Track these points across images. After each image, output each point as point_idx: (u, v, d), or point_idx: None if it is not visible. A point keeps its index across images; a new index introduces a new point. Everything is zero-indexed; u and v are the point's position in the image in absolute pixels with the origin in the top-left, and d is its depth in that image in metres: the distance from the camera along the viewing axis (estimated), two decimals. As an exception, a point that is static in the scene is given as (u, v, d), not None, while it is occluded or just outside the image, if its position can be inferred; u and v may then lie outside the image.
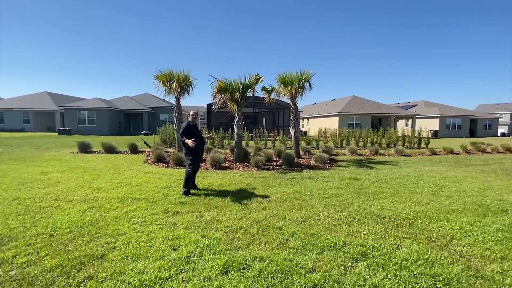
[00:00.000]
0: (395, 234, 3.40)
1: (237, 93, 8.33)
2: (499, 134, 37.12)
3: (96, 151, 11.36)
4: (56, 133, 25.57)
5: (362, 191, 5.53)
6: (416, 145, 14.12)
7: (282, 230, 3.47)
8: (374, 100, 33.31)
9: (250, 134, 15.81)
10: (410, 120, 34.33)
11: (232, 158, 9.41)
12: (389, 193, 5.34)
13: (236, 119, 8.83)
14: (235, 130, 8.88)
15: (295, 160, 8.96)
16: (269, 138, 13.64)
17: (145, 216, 3.90)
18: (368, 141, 13.87)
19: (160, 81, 9.79)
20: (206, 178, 6.55)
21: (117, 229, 3.43)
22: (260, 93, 10.02)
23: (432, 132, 30.53)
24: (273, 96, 10.28)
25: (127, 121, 31.31)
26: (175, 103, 9.97)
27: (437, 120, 32.16)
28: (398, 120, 34.03)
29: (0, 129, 29.70)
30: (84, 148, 11.30)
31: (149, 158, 9.62)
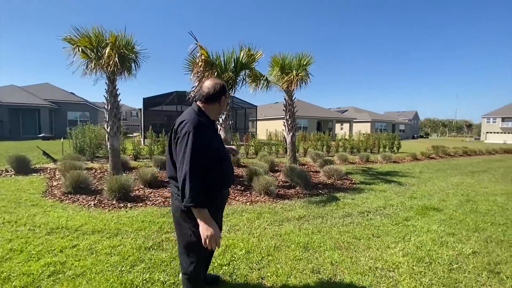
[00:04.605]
0: None
1: (229, 73, 5.06)
2: (412, 137, 43.60)
3: None
4: None
5: (497, 240, 3.25)
6: (388, 150, 13.52)
7: None
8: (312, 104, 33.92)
9: None
10: (344, 124, 36.55)
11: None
12: (538, 240, 3.22)
13: (224, 116, 5.53)
14: (221, 134, 5.56)
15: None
16: (240, 143, 10.59)
17: None
18: (347, 145, 12.39)
19: (77, 48, 5.52)
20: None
21: None
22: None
23: (364, 135, 33.05)
24: (260, 86, 7.32)
25: (14, 120, 22.41)
26: (107, 88, 5.81)
27: (369, 124, 35.07)
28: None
29: None
30: None
31: (55, 185, 5.26)
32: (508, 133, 47.76)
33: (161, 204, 4.35)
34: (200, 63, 4.58)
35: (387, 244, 3.03)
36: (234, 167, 7.66)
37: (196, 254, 1.65)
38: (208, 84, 1.69)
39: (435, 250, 2.89)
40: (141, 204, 4.31)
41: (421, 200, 4.94)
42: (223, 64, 5.19)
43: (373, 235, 3.28)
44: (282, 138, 23.78)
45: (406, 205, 4.61)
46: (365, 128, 35.11)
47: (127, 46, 5.52)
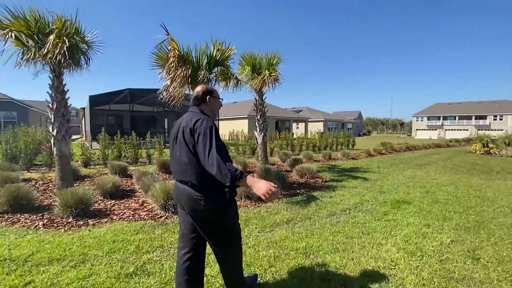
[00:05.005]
0: None
1: (204, 71, 4.70)
2: (358, 135, 47.78)
3: None
4: None
5: (464, 227, 3.60)
6: (345, 147, 14.48)
7: None
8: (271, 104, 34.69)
9: (153, 139, 10.79)
10: (299, 124, 38.24)
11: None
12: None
13: (196, 117, 5.11)
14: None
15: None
16: None
17: None
18: (308, 143, 12.86)
19: (9, 33, 4.49)
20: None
21: None
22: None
23: (320, 133, 35.11)
24: (230, 85, 7.04)
25: None
26: (51, 83, 4.86)
27: (322, 123, 37.29)
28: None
29: None
30: None
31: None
32: (433, 130, 55.84)
33: (131, 218, 3.79)
34: (172, 59, 4.11)
35: (378, 241, 3.10)
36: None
37: (239, 240, 1.87)
38: (197, 88, 1.88)
39: (420, 243, 3.06)
40: (105, 219, 3.69)
41: (390, 194, 5.30)
42: (195, 60, 4.78)
43: (362, 232, 3.34)
44: (243, 138, 23.76)
45: (379, 199, 4.88)
46: (319, 127, 37.25)
47: (77, 34, 4.69)
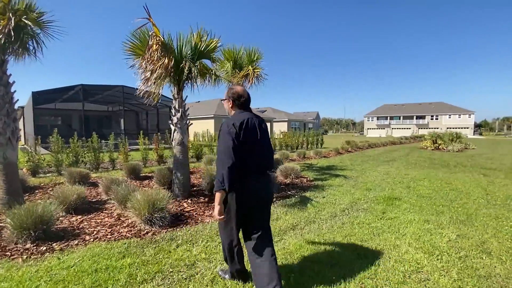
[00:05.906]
0: None
1: (187, 62, 4.17)
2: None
3: None
4: None
5: (459, 221, 3.75)
6: (315, 146, 14.84)
7: None
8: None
9: (114, 142, 9.31)
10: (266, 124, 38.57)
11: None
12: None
13: (179, 114, 4.53)
14: (176, 136, 4.55)
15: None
16: (150, 147, 9.11)
17: None
18: (281, 143, 12.85)
19: None
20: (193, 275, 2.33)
21: None
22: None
23: (282, 133, 35.82)
24: (208, 81, 6.53)
25: None
26: (-11, 72, 3.85)
27: (286, 123, 38.14)
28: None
29: None
30: None
31: None
32: (382, 128, 61.28)
33: (109, 236, 3.14)
34: (155, 46, 3.52)
35: (392, 242, 3.01)
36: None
37: None
38: (244, 92, 2.06)
39: (431, 240, 3.05)
40: (75, 241, 2.98)
41: (376, 191, 5.39)
42: (177, 51, 4.22)
43: (373, 234, 3.23)
44: (208, 139, 23.02)
45: (370, 197, 4.91)
46: (283, 127, 38.03)
47: (28, 13, 3.77)
